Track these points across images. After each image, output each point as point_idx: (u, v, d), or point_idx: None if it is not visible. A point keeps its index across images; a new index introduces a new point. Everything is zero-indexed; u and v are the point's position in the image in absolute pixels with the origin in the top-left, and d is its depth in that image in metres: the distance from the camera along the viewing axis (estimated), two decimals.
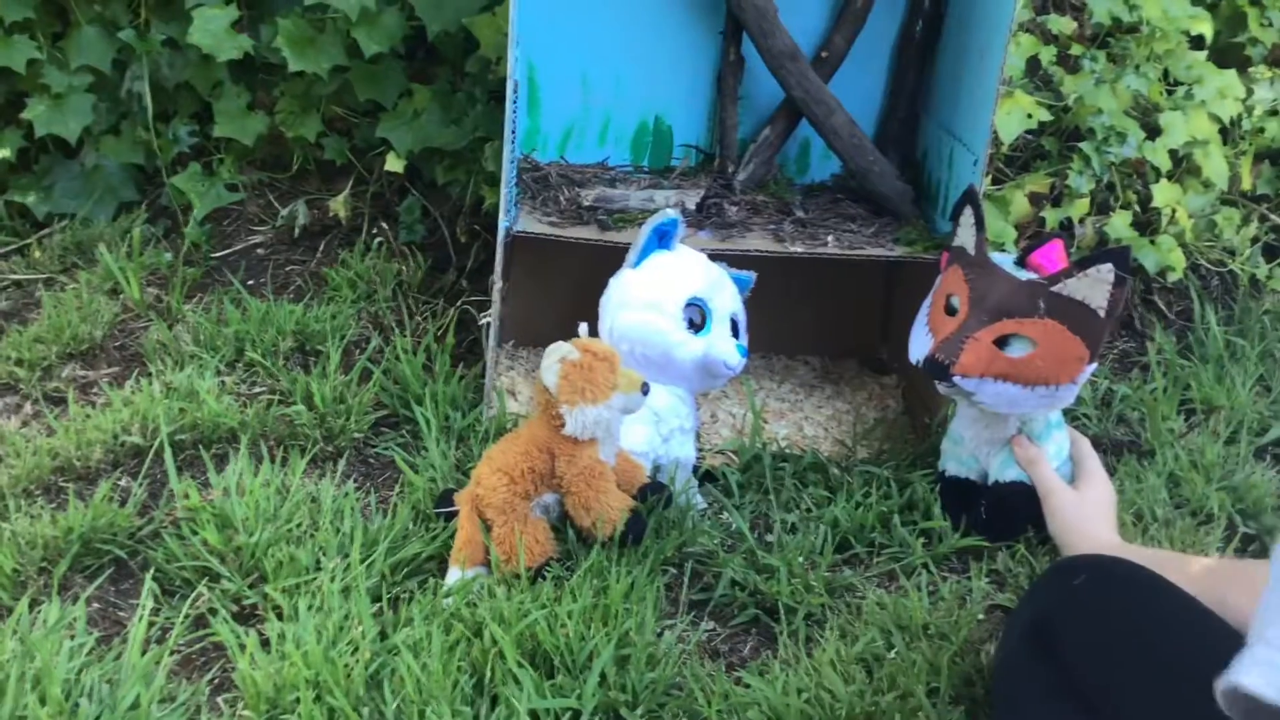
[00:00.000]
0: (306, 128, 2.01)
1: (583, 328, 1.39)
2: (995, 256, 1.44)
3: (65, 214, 2.06)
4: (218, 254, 2.05)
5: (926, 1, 1.78)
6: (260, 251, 2.06)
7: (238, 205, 2.11)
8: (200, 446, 1.56)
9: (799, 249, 1.64)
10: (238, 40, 1.92)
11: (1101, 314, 1.35)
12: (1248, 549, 1.52)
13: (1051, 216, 1.91)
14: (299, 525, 1.40)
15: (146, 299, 1.90)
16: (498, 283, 1.57)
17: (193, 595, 1.32)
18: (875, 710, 1.18)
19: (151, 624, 1.28)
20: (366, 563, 1.33)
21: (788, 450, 1.65)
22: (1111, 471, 1.56)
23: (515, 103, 1.56)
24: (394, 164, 1.95)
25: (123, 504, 1.45)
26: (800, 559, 1.40)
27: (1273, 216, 2.11)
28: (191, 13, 1.91)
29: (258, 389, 1.71)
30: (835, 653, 1.26)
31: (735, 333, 1.52)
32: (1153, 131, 1.94)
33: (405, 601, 1.30)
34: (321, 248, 2.06)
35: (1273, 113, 2.04)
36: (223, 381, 1.70)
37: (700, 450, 1.60)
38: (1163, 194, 1.93)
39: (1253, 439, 1.73)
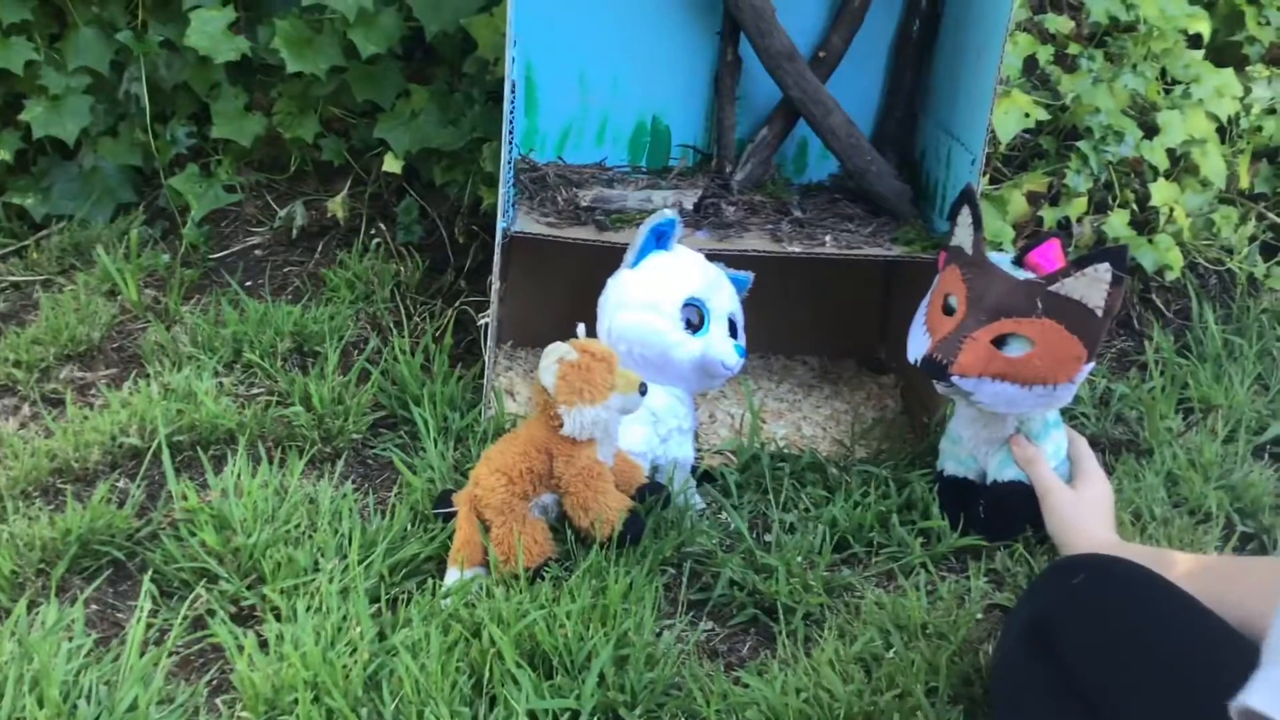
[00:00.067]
0: (304, 129, 2.01)
1: (580, 328, 1.39)
2: (993, 256, 1.44)
3: (63, 215, 2.06)
4: (215, 255, 2.05)
5: (924, 1, 1.78)
6: (258, 252, 2.06)
7: (235, 206, 2.11)
8: (198, 448, 1.56)
9: (797, 249, 1.64)
10: (235, 41, 1.92)
11: (1099, 313, 1.35)
12: (1246, 547, 1.52)
13: (1049, 215, 1.91)
14: (297, 526, 1.40)
15: (144, 300, 1.90)
16: (496, 283, 1.57)
17: (191, 596, 1.32)
18: (874, 710, 1.18)
19: (150, 625, 1.28)
20: (365, 564, 1.33)
21: (786, 450, 1.65)
22: (1109, 470, 1.56)
23: (513, 103, 1.56)
24: (392, 164, 1.95)
25: (121, 505, 1.45)
26: (799, 559, 1.40)
27: (1270, 215, 2.11)
28: (189, 14, 1.91)
29: (256, 390, 1.71)
30: (834, 652, 1.26)
31: (733, 333, 1.52)
32: (1150, 130, 1.94)
33: (404, 602, 1.30)
34: (319, 248, 2.06)
35: (1270, 111, 2.04)
36: (221, 383, 1.69)
37: (698, 450, 1.60)
38: (1160, 193, 1.93)
39: (1251, 438, 1.73)
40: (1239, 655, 0.81)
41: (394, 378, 1.70)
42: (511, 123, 1.57)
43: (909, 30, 1.81)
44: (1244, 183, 2.06)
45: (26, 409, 1.66)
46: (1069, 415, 1.75)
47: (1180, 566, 1.16)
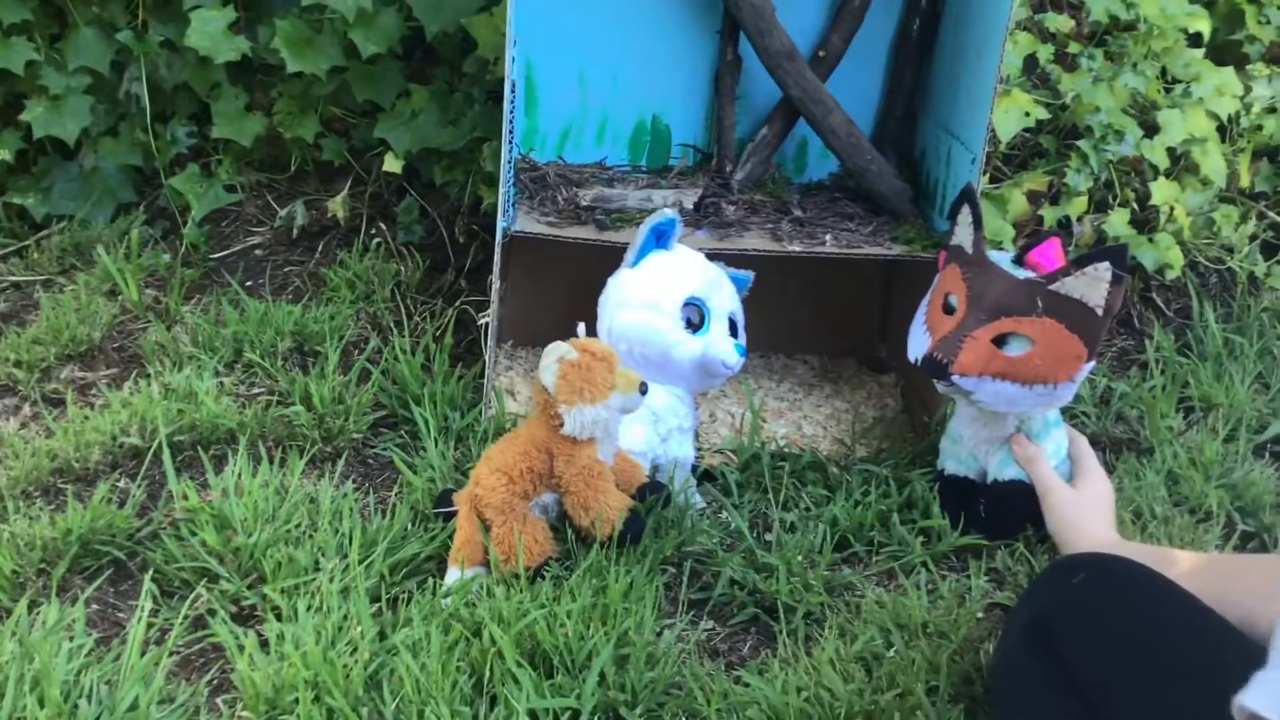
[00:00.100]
0: (304, 128, 2.01)
1: (581, 327, 1.39)
2: (993, 255, 1.44)
3: (63, 215, 2.06)
4: (216, 255, 2.05)
5: (923, 0, 1.78)
6: (259, 252, 2.06)
7: (236, 206, 2.11)
8: (199, 447, 1.56)
9: (797, 248, 1.64)
10: (235, 41, 1.92)
11: (1099, 312, 1.35)
12: (1247, 546, 1.52)
13: (1049, 215, 1.91)
14: (298, 526, 1.40)
15: (145, 300, 1.90)
16: (496, 282, 1.57)
17: (191, 596, 1.32)
18: (874, 709, 1.18)
19: (150, 625, 1.28)
20: (365, 563, 1.33)
21: (786, 449, 1.65)
22: (1110, 469, 1.56)
23: (513, 103, 1.56)
24: (392, 164, 1.95)
25: (121, 505, 1.45)
26: (799, 558, 1.40)
27: (1271, 214, 2.11)
28: (189, 14, 1.91)
29: (256, 390, 1.71)
30: (834, 651, 1.26)
31: (733, 332, 1.52)
32: (1151, 129, 1.94)
33: (404, 602, 1.30)
34: (320, 248, 2.06)
35: (1271, 110, 2.04)
36: (221, 382, 1.70)
37: (699, 449, 1.60)
38: (1161, 192, 1.93)
39: (1251, 436, 1.73)
40: (1239, 654, 0.82)
41: (394, 377, 1.71)
42: (511, 122, 1.57)
43: (909, 29, 1.81)
44: (1244, 181, 2.06)
45: (27, 409, 1.66)
46: (1069, 414, 1.75)
47: (1181, 565, 1.16)
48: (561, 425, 1.32)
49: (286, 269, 2.03)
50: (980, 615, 1.33)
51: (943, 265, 1.49)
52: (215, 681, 1.23)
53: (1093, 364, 1.39)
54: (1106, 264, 1.32)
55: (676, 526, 1.43)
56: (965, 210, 1.45)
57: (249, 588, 1.32)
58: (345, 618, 1.25)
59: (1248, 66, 2.05)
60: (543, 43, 1.78)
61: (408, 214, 2.03)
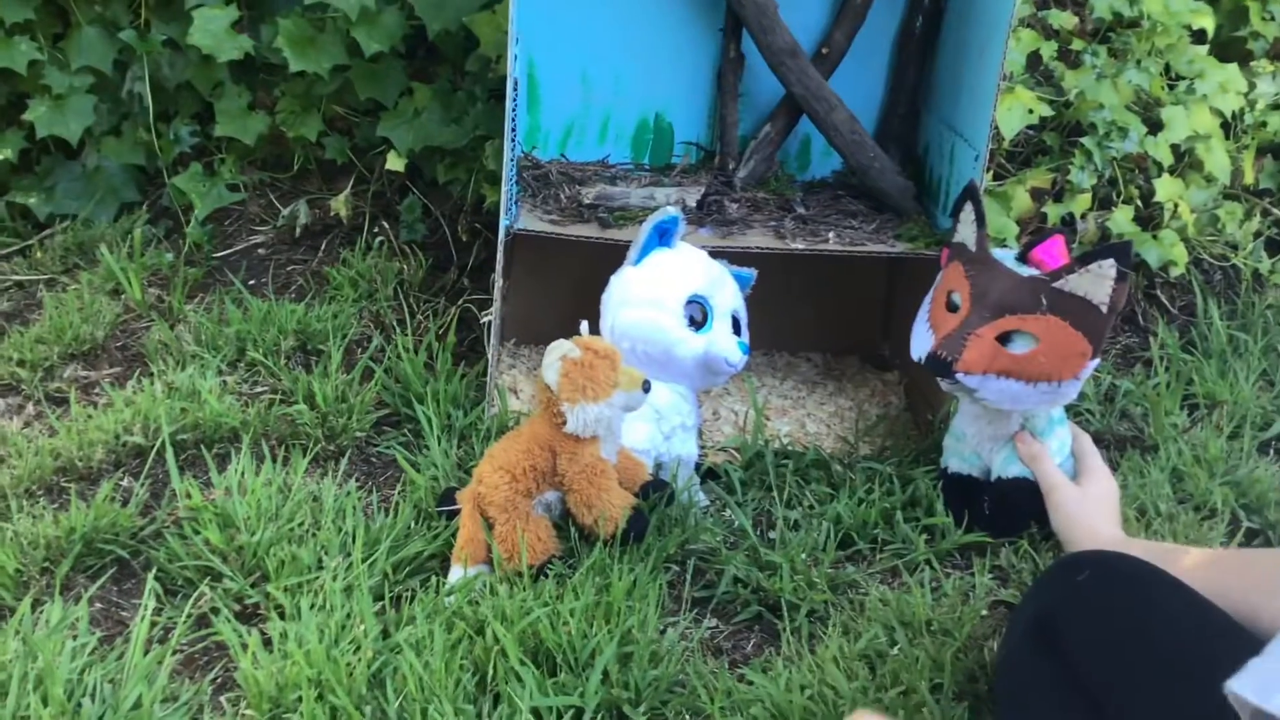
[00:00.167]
0: (307, 127, 2.01)
1: (584, 325, 1.39)
2: (996, 252, 1.44)
3: (67, 215, 2.07)
4: (219, 254, 2.05)
5: None
6: (261, 251, 2.06)
7: (239, 205, 2.11)
8: (202, 446, 1.56)
9: (800, 246, 1.64)
10: (238, 40, 1.92)
11: (1104, 309, 1.34)
12: (1251, 543, 1.52)
13: (1053, 212, 1.91)
14: (301, 524, 1.40)
15: (148, 299, 1.90)
16: (499, 281, 1.57)
17: (195, 595, 1.32)
18: (879, 707, 1.18)
19: (154, 624, 1.28)
20: (368, 561, 1.33)
21: (790, 447, 1.65)
22: (1114, 466, 1.56)
23: (515, 101, 1.56)
24: (395, 163, 1.95)
25: (125, 504, 1.45)
26: (803, 556, 1.40)
27: (1275, 211, 2.11)
28: (192, 13, 1.91)
29: (259, 388, 1.71)
30: (838, 649, 1.26)
31: (737, 330, 1.52)
32: (1154, 126, 1.93)
33: (407, 600, 1.30)
34: (323, 247, 2.06)
35: (1275, 107, 2.03)
36: (224, 381, 1.70)
37: (702, 447, 1.60)
38: (1165, 189, 1.92)
39: (1256, 433, 1.73)
40: (1243, 651, 0.81)
41: (397, 376, 1.71)
42: (514, 120, 1.57)
43: (912, 26, 1.80)
44: (1249, 178, 2.05)
45: (31, 408, 1.67)
46: (1073, 411, 1.75)
47: (1184, 561, 1.16)
48: (564, 423, 1.32)
49: (289, 268, 2.03)
50: (984, 613, 1.33)
51: (945, 263, 1.48)
52: (219, 680, 1.23)
53: (1097, 361, 1.39)
54: (1111, 261, 1.32)
55: (680, 524, 1.43)
56: (968, 208, 1.45)
57: (252, 586, 1.32)
58: (348, 616, 1.25)
59: (1252, 63, 2.05)
60: (545, 41, 1.78)
61: (410, 212, 2.03)
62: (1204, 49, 1.99)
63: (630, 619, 1.25)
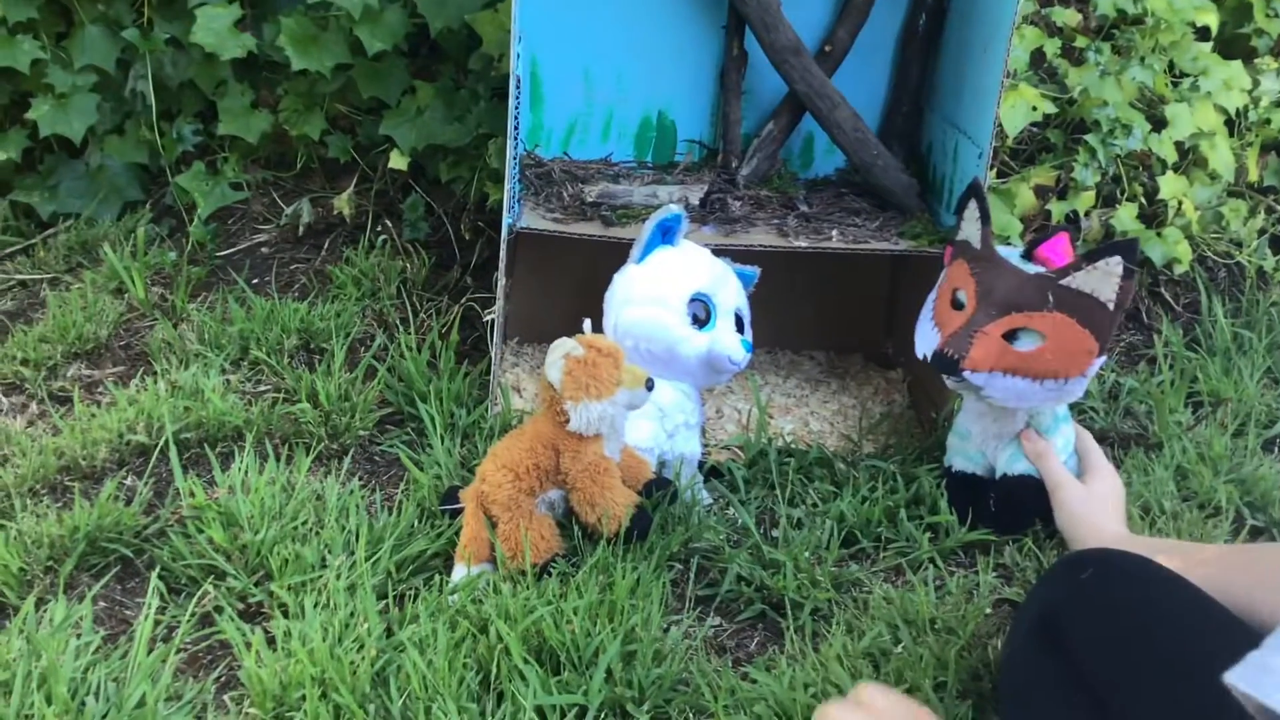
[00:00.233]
0: (310, 126, 2.01)
1: (587, 323, 1.38)
2: (1001, 250, 1.43)
3: (70, 214, 2.07)
4: (222, 253, 2.05)
5: None
6: (265, 250, 2.06)
7: (242, 204, 2.11)
8: (205, 445, 1.56)
9: (803, 244, 1.64)
10: (241, 39, 1.92)
11: (1110, 306, 1.34)
12: (1256, 541, 1.52)
13: (1057, 209, 1.90)
14: (304, 523, 1.40)
15: (151, 298, 1.90)
16: (502, 279, 1.57)
17: (198, 593, 1.32)
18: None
19: (157, 622, 1.28)
20: (372, 560, 1.33)
21: (793, 445, 1.65)
22: (1118, 464, 1.56)
23: (518, 99, 1.56)
24: (398, 161, 1.95)
25: (128, 503, 1.45)
26: (806, 554, 1.40)
27: (1279, 208, 2.10)
28: (194, 11, 1.91)
29: (263, 387, 1.71)
30: (842, 647, 1.26)
31: (740, 328, 1.52)
32: (1158, 123, 1.93)
33: (411, 599, 1.30)
34: (326, 246, 2.06)
35: (1279, 103, 2.03)
36: (228, 380, 1.70)
37: (705, 446, 1.60)
38: (1169, 186, 1.92)
39: (1260, 431, 1.73)
40: (1245, 648, 0.81)
41: (400, 374, 1.71)
42: (517, 119, 1.57)
43: (915, 24, 1.80)
44: (1253, 175, 2.05)
45: (34, 407, 1.67)
46: (1077, 409, 1.74)
47: (1187, 557, 1.16)
48: (568, 421, 1.32)
49: (292, 266, 2.03)
50: (988, 611, 1.33)
51: (949, 261, 1.48)
52: (222, 679, 1.23)
53: (1104, 359, 1.39)
54: (1118, 258, 1.32)
55: (683, 523, 1.43)
56: (972, 205, 1.45)
57: (256, 585, 1.32)
58: (352, 615, 1.25)
59: (1256, 60, 2.04)
60: (547, 39, 1.78)
61: (413, 211, 2.03)
62: (1208, 46, 1.99)
63: (634, 617, 1.25)
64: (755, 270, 1.58)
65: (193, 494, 1.43)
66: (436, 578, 1.34)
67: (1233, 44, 2.07)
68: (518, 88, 1.55)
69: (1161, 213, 1.96)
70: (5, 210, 2.06)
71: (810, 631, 1.31)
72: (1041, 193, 1.92)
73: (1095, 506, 1.39)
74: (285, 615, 1.27)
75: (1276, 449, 1.73)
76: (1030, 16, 1.99)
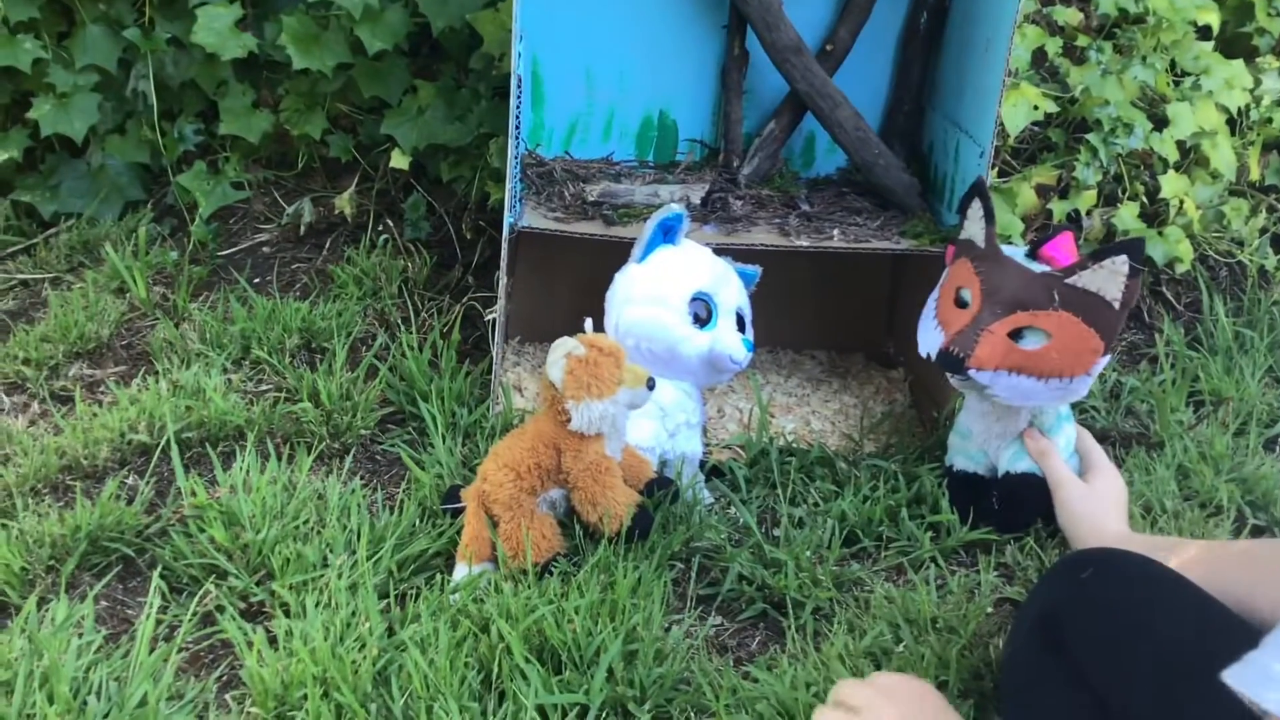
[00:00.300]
0: (311, 125, 2.01)
1: (588, 323, 1.38)
2: (1006, 249, 1.43)
3: (71, 213, 2.07)
4: (224, 252, 2.05)
5: None
6: (266, 249, 2.06)
7: (243, 203, 2.11)
8: (207, 444, 1.56)
9: (804, 243, 1.64)
10: (242, 39, 1.92)
11: (1116, 305, 1.34)
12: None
13: (1058, 208, 1.90)
14: (306, 522, 1.40)
15: (153, 298, 1.90)
16: (503, 278, 1.57)
17: (200, 593, 1.32)
18: None
19: (159, 622, 1.28)
20: (373, 559, 1.33)
21: (795, 444, 1.65)
22: (1119, 463, 1.56)
23: (519, 98, 1.56)
24: (399, 161, 1.95)
25: (130, 502, 1.46)
26: (808, 553, 1.40)
27: None
28: (196, 11, 1.91)
29: (264, 386, 1.71)
30: (843, 647, 1.26)
31: (741, 327, 1.52)
32: (1160, 122, 1.93)
33: (412, 598, 1.30)
34: (327, 245, 2.06)
35: None
36: (229, 379, 1.70)
37: (707, 445, 1.60)
38: (1170, 185, 1.92)
39: (1262, 430, 1.73)
40: (1245, 647, 0.81)
41: (402, 374, 1.71)
42: (518, 118, 1.57)
43: (916, 23, 1.80)
44: (1254, 174, 2.05)
45: (36, 406, 1.67)
46: (1079, 409, 1.74)
47: (1188, 554, 1.16)
48: (569, 421, 1.32)
49: (294, 266, 2.03)
50: (990, 610, 1.33)
51: (951, 260, 1.48)
52: (224, 678, 1.24)
53: (1109, 358, 1.39)
54: (1124, 257, 1.32)
55: (684, 522, 1.43)
56: (976, 204, 1.45)
57: (257, 584, 1.32)
58: (353, 614, 1.25)
59: (1257, 59, 2.04)
60: (549, 38, 1.78)
61: (415, 210, 2.03)
62: (1209, 45, 1.99)
63: (635, 616, 1.25)
64: (756, 269, 1.58)
65: (194, 493, 1.43)
66: (438, 577, 1.34)
67: (1234, 43, 2.07)
68: (519, 87, 1.55)
69: (1163, 212, 1.96)
70: (7, 210, 2.06)
71: (812, 631, 1.31)
72: (1043, 192, 1.92)
73: (1097, 505, 1.39)
74: (287, 614, 1.27)
75: (1278, 448, 1.72)
76: (1032, 15, 1.99)
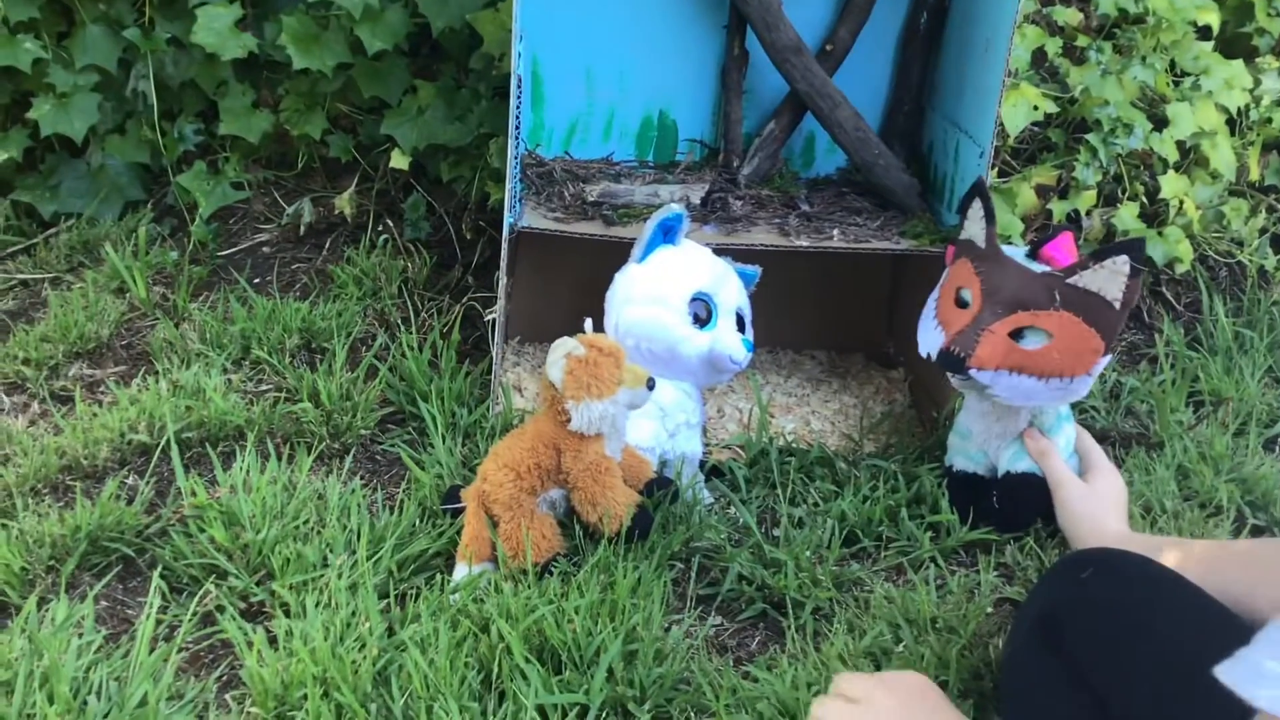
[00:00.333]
0: (311, 125, 2.01)
1: (588, 323, 1.38)
2: (1006, 249, 1.43)
3: (71, 213, 2.07)
4: (224, 252, 2.05)
5: None
6: (266, 249, 2.06)
7: (243, 203, 2.11)
8: (207, 444, 1.56)
9: (804, 243, 1.64)
10: (242, 39, 1.92)
11: (1117, 305, 1.34)
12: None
13: (1058, 209, 1.90)
14: (306, 522, 1.40)
15: (153, 298, 1.90)
16: (503, 279, 1.57)
17: (200, 593, 1.32)
18: None
19: (159, 622, 1.28)
20: (373, 559, 1.33)
21: (794, 444, 1.65)
22: (1119, 464, 1.56)
23: (519, 98, 1.56)
24: (399, 161, 1.95)
25: (130, 502, 1.46)
26: (807, 553, 1.40)
27: None
28: (196, 11, 1.91)
29: (264, 386, 1.71)
30: (843, 646, 1.26)
31: (741, 327, 1.52)
32: (1160, 123, 1.93)
33: (412, 598, 1.30)
34: (327, 245, 2.06)
35: None
36: (229, 379, 1.70)
37: (707, 445, 1.60)
38: (1170, 185, 1.92)
39: (1261, 430, 1.73)
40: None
41: (402, 374, 1.71)
42: (518, 118, 1.57)
43: (916, 23, 1.80)
44: (1254, 175, 2.05)
45: (36, 406, 1.67)
46: (1078, 409, 1.74)
47: (1187, 554, 1.16)
48: (569, 421, 1.32)
49: (294, 266, 2.03)
50: (989, 610, 1.33)
51: (951, 260, 1.48)
52: (224, 678, 1.24)
53: (1109, 358, 1.39)
54: (1125, 258, 1.32)
55: (684, 522, 1.43)
56: (977, 204, 1.45)
57: (257, 584, 1.32)
58: (354, 614, 1.25)
59: (1257, 59, 2.04)
60: (549, 38, 1.78)
61: (415, 210, 2.03)
62: (1209, 45, 1.99)
63: (635, 616, 1.25)
64: (756, 269, 1.58)
65: (194, 493, 1.43)
66: (438, 577, 1.34)
67: (1234, 43, 2.07)
68: (519, 87, 1.55)
69: (1163, 212, 1.96)
70: (7, 210, 2.06)
71: (811, 630, 1.31)
72: (1043, 192, 1.92)
73: (1097, 505, 1.39)
74: (287, 614, 1.27)
75: (1277, 448, 1.72)
76: (1031, 15, 1.99)
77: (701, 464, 1.55)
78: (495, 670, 1.19)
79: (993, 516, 1.47)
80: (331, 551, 1.35)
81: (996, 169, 1.95)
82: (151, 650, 1.23)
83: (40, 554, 1.35)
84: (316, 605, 1.26)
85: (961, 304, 1.43)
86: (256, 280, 1.98)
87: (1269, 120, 2.02)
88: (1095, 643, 1.03)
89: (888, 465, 1.57)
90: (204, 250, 2.03)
